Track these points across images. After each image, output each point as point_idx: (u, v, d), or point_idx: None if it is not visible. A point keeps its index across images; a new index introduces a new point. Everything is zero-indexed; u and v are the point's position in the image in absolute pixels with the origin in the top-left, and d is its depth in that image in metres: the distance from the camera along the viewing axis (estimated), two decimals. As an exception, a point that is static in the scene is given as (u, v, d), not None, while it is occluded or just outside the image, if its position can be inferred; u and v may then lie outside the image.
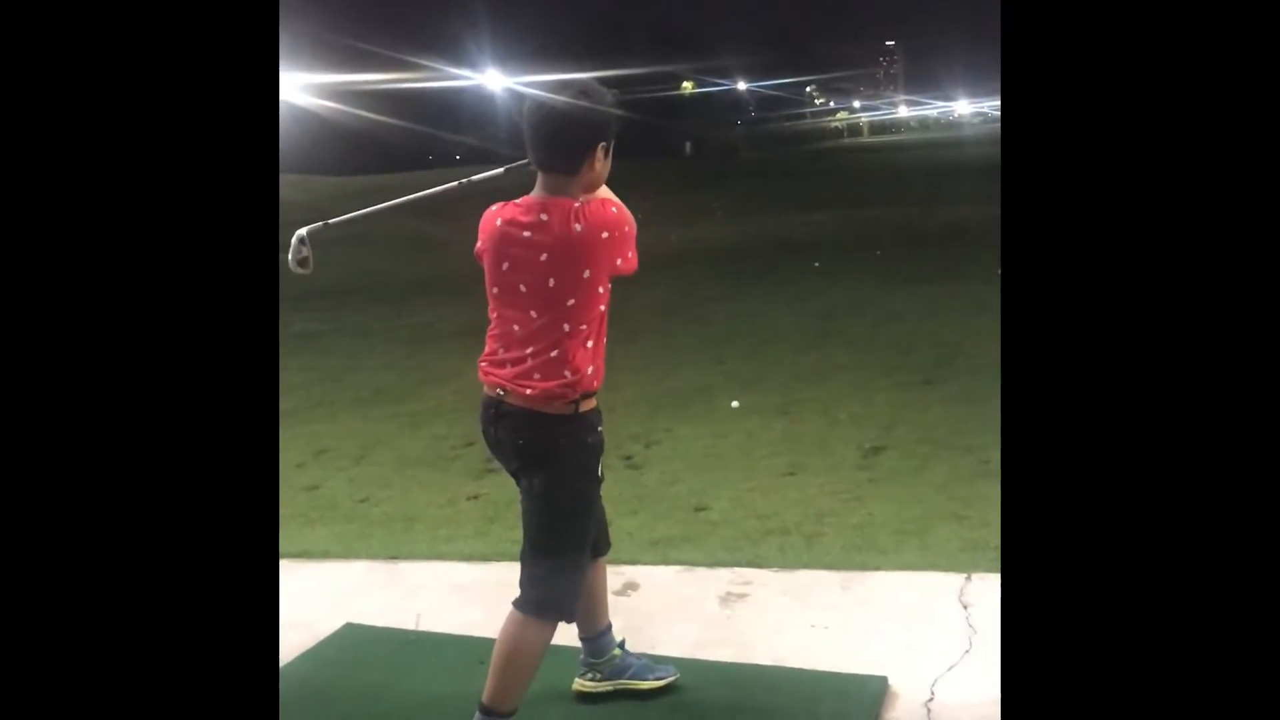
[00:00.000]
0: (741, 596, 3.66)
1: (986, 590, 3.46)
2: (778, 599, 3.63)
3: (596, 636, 2.97)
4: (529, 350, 2.53)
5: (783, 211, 22.39)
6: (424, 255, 17.78)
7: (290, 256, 2.76)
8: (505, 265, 2.55)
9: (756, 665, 3.15)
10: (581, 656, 2.99)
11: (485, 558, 4.14)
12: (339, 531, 4.72)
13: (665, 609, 3.59)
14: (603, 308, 2.55)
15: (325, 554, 4.40)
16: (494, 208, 2.62)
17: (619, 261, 2.52)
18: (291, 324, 10.34)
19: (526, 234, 2.51)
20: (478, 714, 2.61)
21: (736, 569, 3.88)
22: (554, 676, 2.92)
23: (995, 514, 1.40)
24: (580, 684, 2.99)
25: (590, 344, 2.55)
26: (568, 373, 2.51)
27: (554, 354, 2.51)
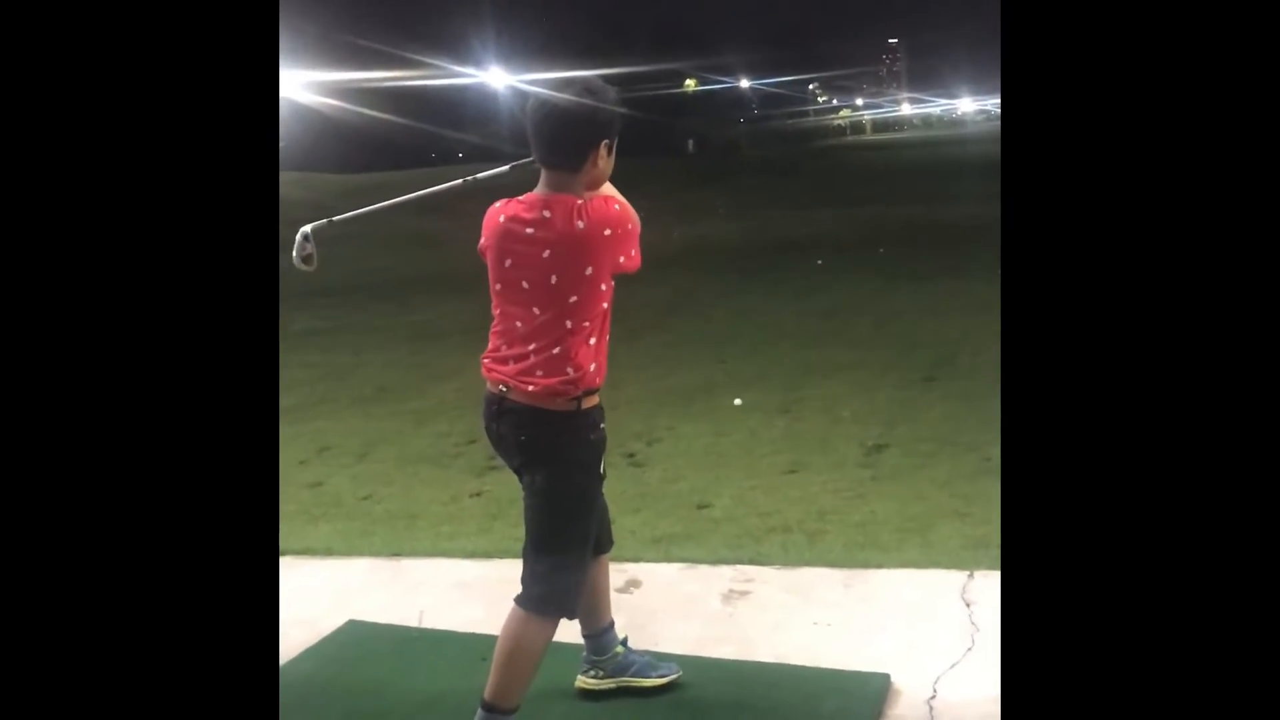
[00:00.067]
0: (744, 594, 3.66)
1: (989, 588, 3.46)
2: (780, 596, 3.63)
3: (599, 634, 2.97)
4: (531, 347, 2.53)
5: (785, 209, 22.39)
6: (426, 253, 17.78)
7: (294, 253, 2.77)
8: (508, 262, 2.56)
9: (759, 663, 3.15)
10: (584, 654, 3.00)
11: (488, 555, 4.14)
12: (342, 528, 4.73)
13: (667, 606, 3.60)
14: (605, 305, 2.56)
15: (328, 551, 4.40)
16: (497, 204, 2.62)
17: (621, 259, 2.52)
18: (294, 321, 10.36)
19: (529, 231, 2.51)
20: (480, 711, 2.61)
21: (739, 566, 3.88)
22: (556, 674, 2.92)
23: (997, 511, 1.41)
24: (583, 681, 2.99)
25: (593, 341, 2.55)
26: (570, 370, 2.51)
27: (556, 351, 2.51)
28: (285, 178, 27.23)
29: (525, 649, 2.60)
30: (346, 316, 11.69)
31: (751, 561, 3.92)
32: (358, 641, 3.48)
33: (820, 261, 13.13)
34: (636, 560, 3.94)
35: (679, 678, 3.00)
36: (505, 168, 3.01)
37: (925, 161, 40.04)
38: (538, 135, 2.53)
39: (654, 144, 47.27)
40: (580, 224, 2.46)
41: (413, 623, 3.59)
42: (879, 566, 3.80)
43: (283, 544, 4.16)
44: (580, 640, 2.98)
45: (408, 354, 9.18)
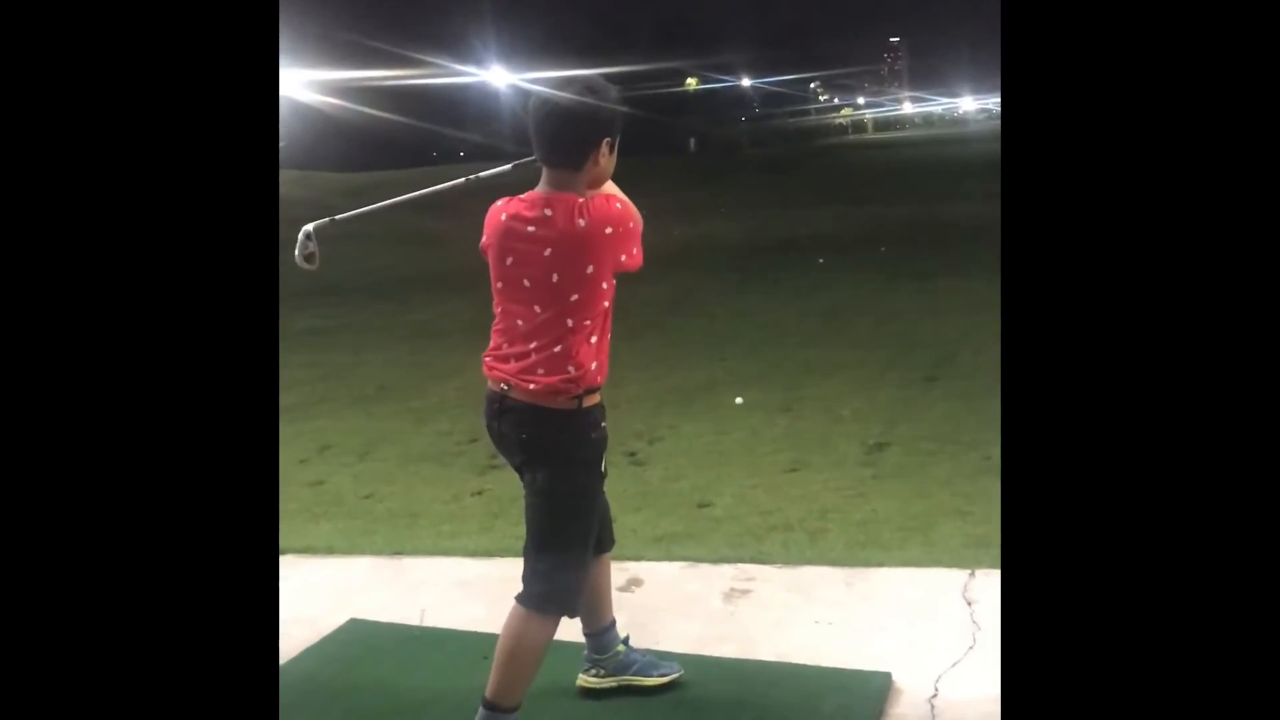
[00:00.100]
0: (745, 593, 3.66)
1: (990, 586, 3.46)
2: (781, 595, 3.63)
3: (600, 632, 2.97)
4: (533, 345, 2.53)
5: (787, 208, 22.39)
6: (428, 251, 17.79)
7: (297, 252, 2.77)
8: (509, 260, 2.56)
9: (760, 661, 3.15)
10: (585, 652, 3.00)
11: (489, 553, 4.14)
12: (343, 527, 4.73)
13: (669, 605, 3.60)
14: (607, 303, 2.56)
15: (329, 550, 4.40)
16: (499, 203, 2.62)
17: (623, 258, 2.52)
18: (295, 320, 10.36)
19: (531, 229, 2.51)
20: (481, 709, 2.61)
21: (740, 565, 3.88)
22: (558, 672, 2.92)
23: (998, 510, 1.41)
24: (584, 680, 2.99)
25: (594, 339, 2.55)
26: (571, 368, 2.51)
27: (558, 349, 2.51)
28: (286, 176, 27.25)
29: (526, 647, 2.60)
30: (348, 315, 11.70)
31: (753, 560, 3.92)
32: (359, 640, 3.48)
33: (821, 260, 13.14)
34: (638, 559, 3.94)
35: (680, 676, 3.00)
36: (508, 166, 3.01)
37: (927, 160, 40.03)
38: (539, 134, 2.53)
39: (655, 143, 47.25)
40: (581, 222, 2.46)
41: (414, 621, 3.60)
42: (880, 565, 3.80)
43: (284, 543, 4.16)
44: (581, 639, 2.98)
45: (409, 352, 9.19)
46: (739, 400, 6.45)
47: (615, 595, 3.09)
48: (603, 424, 2.62)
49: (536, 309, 2.52)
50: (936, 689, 2.92)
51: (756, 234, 17.70)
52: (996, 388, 1.56)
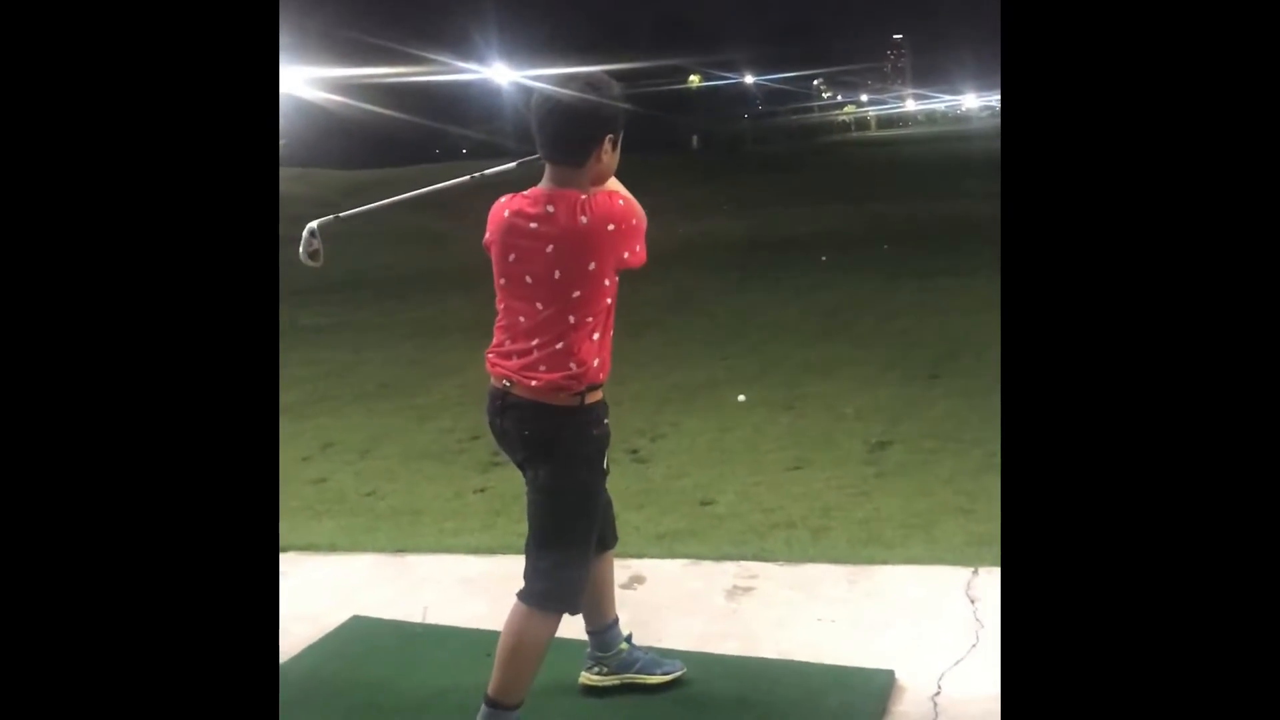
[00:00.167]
0: (748, 590, 3.66)
1: (993, 584, 3.46)
2: (784, 593, 3.63)
3: (603, 630, 2.97)
4: (535, 342, 2.53)
5: (789, 206, 22.37)
6: (430, 249, 17.79)
7: (301, 249, 2.77)
8: (512, 256, 2.55)
9: (763, 659, 3.15)
10: (588, 650, 3.00)
11: (492, 551, 4.14)
12: (346, 524, 4.73)
13: (671, 602, 3.59)
14: (609, 300, 2.55)
15: (332, 547, 4.40)
16: (503, 199, 2.62)
17: (626, 255, 2.51)
18: (298, 318, 10.38)
19: (533, 225, 2.51)
20: (484, 707, 2.61)
21: (743, 563, 3.87)
22: (560, 670, 2.92)
23: (1002, 508, 1.42)
24: (587, 678, 2.99)
25: (596, 336, 2.55)
26: (573, 365, 2.51)
27: (560, 346, 2.51)
28: (289, 174, 27.28)
29: (528, 644, 2.60)
30: (350, 313, 11.70)
31: (755, 558, 3.92)
32: (361, 637, 3.48)
33: (824, 258, 13.14)
34: (640, 556, 3.94)
35: (683, 674, 3.00)
36: (513, 164, 3.01)
37: (929, 158, 40.01)
38: (542, 130, 2.53)
39: (657, 140, 47.23)
40: (584, 219, 2.45)
41: (416, 618, 3.60)
42: (883, 563, 3.80)
43: (286, 540, 4.17)
44: (584, 636, 2.98)
45: (411, 350, 9.19)
46: (741, 398, 6.44)
47: (618, 593, 3.09)
48: (605, 421, 2.61)
49: (539, 306, 2.52)
50: (939, 686, 2.92)
51: (759, 232, 17.69)
52: (999, 385, 1.56)
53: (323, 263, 2.78)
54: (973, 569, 3.62)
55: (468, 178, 3.07)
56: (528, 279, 2.53)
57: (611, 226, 2.48)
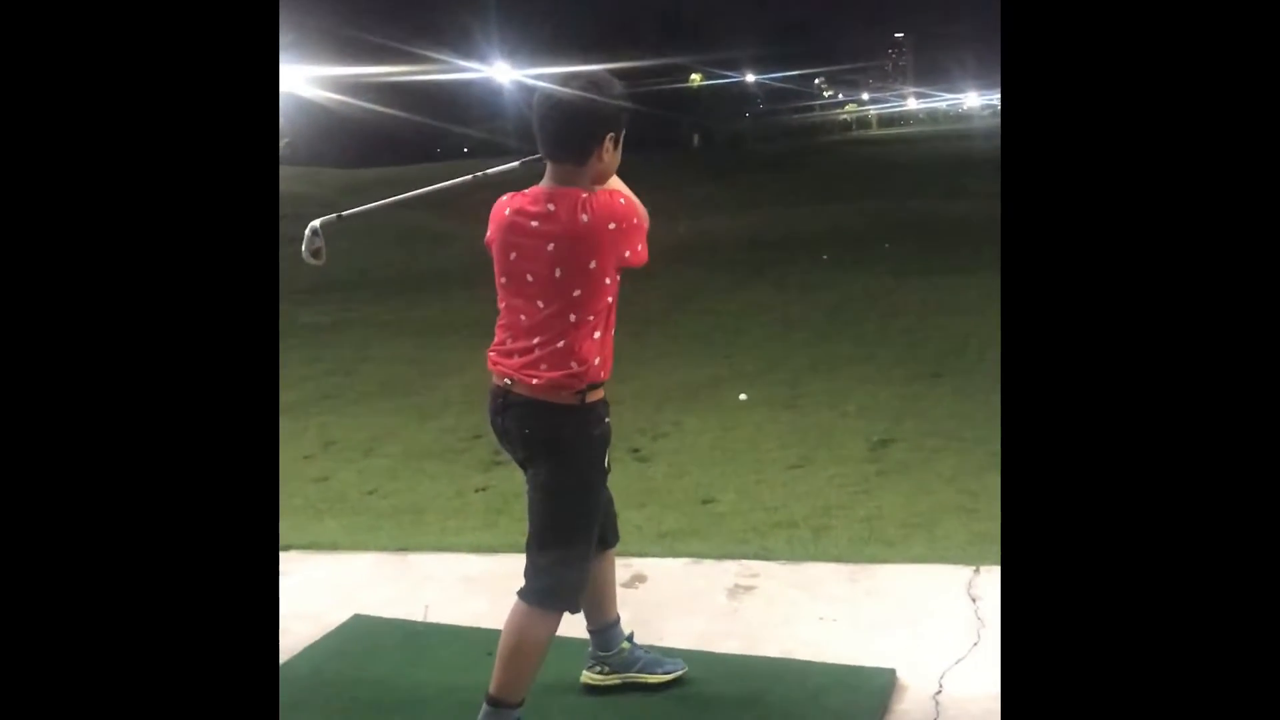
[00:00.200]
0: (749, 589, 3.66)
1: (994, 583, 3.46)
2: (786, 591, 3.63)
3: (605, 629, 2.97)
4: (536, 340, 2.53)
5: (791, 204, 22.34)
6: (432, 248, 17.78)
7: (304, 248, 2.77)
8: (513, 255, 2.55)
9: (764, 658, 3.15)
10: (590, 649, 2.99)
11: (493, 549, 4.14)
12: (347, 523, 4.73)
13: (673, 601, 3.59)
14: (610, 299, 2.55)
15: (334, 545, 4.41)
16: (504, 198, 2.62)
17: (627, 253, 2.51)
18: (300, 316, 10.37)
19: (534, 224, 2.51)
20: (485, 705, 2.61)
21: (744, 561, 3.88)
22: (562, 669, 2.92)
23: (1004, 507, 1.42)
24: (588, 677, 2.99)
25: (598, 335, 2.55)
26: (574, 363, 2.51)
27: (561, 344, 2.51)
28: (291, 172, 27.25)
29: (529, 643, 2.60)
30: (351, 312, 11.70)
31: (757, 556, 3.92)
32: (363, 636, 3.48)
33: (826, 257, 13.13)
34: (642, 555, 3.94)
35: (684, 673, 3.00)
36: (516, 164, 3.00)
37: (931, 156, 39.94)
38: (543, 129, 2.53)
39: (659, 138, 47.20)
40: (585, 217, 2.45)
41: (418, 617, 3.60)
42: (885, 562, 3.80)
43: (288, 538, 4.17)
44: (585, 635, 2.98)
45: (413, 349, 9.19)
46: (743, 397, 6.44)
47: (619, 591, 3.09)
48: (606, 419, 2.61)
49: (540, 304, 2.52)
50: (941, 685, 2.92)
51: (760, 230, 17.68)
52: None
53: (325, 261, 2.78)
54: (974, 568, 3.62)
55: (470, 177, 3.07)
56: (529, 277, 2.53)
57: (613, 225, 2.48)
